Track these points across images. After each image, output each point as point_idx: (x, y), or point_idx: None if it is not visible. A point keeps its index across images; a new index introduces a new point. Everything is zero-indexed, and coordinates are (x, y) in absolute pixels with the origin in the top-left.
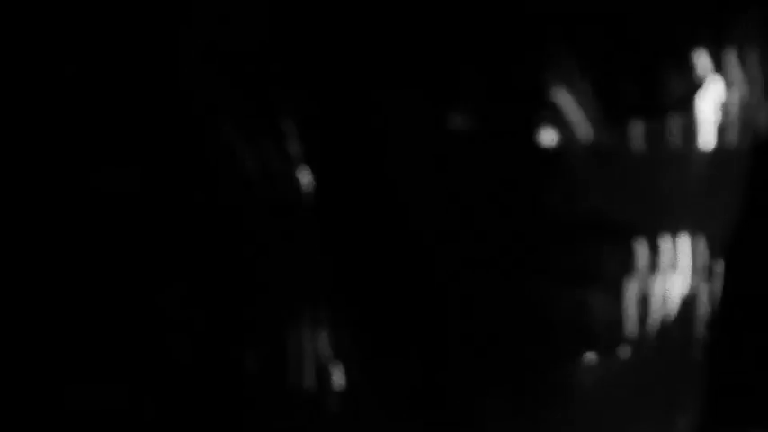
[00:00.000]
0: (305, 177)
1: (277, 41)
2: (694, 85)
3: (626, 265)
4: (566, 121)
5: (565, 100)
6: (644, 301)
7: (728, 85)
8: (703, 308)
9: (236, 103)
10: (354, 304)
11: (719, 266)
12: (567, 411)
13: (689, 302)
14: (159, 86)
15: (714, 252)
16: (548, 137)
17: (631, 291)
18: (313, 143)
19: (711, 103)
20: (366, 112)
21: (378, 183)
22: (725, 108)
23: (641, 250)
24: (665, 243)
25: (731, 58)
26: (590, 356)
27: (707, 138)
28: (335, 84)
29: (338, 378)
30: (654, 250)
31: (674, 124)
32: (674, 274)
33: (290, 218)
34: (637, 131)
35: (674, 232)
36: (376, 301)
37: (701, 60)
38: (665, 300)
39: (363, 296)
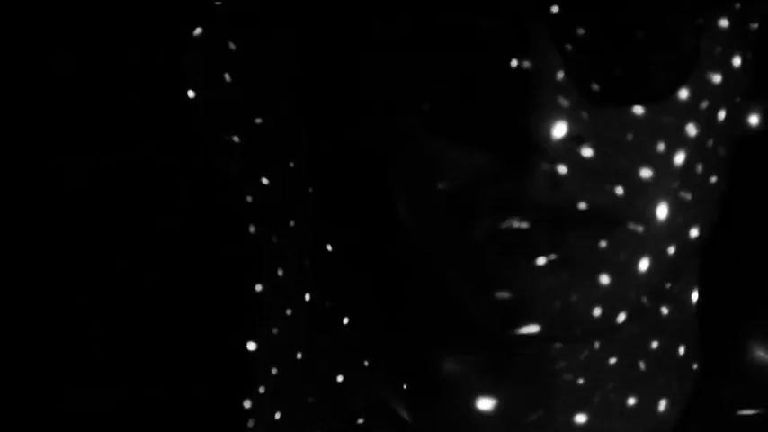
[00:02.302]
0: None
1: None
2: (679, 74)
3: (611, 252)
4: (551, 107)
5: (550, 88)
6: (630, 287)
7: (713, 77)
8: (689, 293)
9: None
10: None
11: (701, 256)
12: (550, 398)
13: (674, 289)
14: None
15: (697, 241)
16: (535, 124)
17: (617, 277)
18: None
19: (695, 94)
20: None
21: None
22: (709, 100)
23: (625, 236)
24: (647, 230)
25: (714, 52)
26: (574, 342)
27: (690, 126)
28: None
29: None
30: (637, 237)
31: (658, 111)
32: (658, 262)
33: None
34: (621, 118)
35: (657, 219)
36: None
37: (686, 50)
38: (650, 285)
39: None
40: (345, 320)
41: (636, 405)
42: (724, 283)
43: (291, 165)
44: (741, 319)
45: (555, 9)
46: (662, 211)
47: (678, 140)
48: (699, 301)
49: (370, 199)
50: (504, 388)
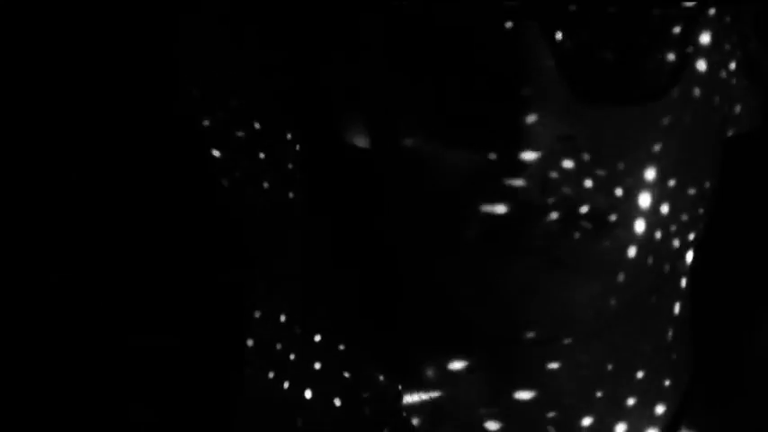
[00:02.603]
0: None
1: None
2: (672, 74)
3: (604, 251)
4: (543, 107)
5: (541, 88)
6: (622, 286)
7: (706, 77)
8: (680, 291)
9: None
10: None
11: (691, 255)
12: (543, 396)
13: (667, 287)
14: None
15: (689, 240)
16: (526, 125)
17: (610, 276)
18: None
19: (688, 94)
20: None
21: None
22: (702, 99)
23: (617, 236)
24: (640, 229)
25: (708, 51)
26: (568, 342)
27: (683, 125)
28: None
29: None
30: (629, 236)
31: (650, 111)
32: (651, 260)
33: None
34: (613, 118)
35: (650, 218)
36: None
37: (674, 49)
38: (643, 284)
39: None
40: (336, 322)
41: (630, 403)
42: (722, 280)
43: (289, 166)
44: (741, 314)
45: (546, 7)
46: (654, 211)
47: (671, 140)
48: (697, 297)
49: (363, 201)
50: (499, 387)
